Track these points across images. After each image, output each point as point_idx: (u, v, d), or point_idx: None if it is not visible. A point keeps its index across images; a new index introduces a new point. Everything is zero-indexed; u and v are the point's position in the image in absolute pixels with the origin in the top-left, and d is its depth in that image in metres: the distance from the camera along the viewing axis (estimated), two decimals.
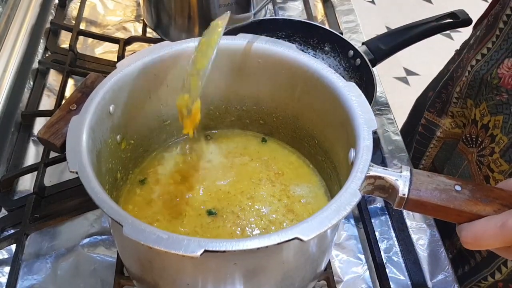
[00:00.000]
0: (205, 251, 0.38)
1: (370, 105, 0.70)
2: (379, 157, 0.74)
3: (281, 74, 0.57)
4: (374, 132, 0.47)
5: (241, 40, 0.57)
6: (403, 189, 0.45)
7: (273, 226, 0.56)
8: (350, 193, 0.43)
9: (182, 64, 0.56)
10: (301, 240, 0.39)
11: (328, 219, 0.41)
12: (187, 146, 0.63)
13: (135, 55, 0.54)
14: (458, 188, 0.45)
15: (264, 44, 0.57)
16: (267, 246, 0.39)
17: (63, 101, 0.52)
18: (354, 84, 0.52)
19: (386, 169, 0.46)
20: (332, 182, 0.58)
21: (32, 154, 0.72)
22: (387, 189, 0.46)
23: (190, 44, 0.56)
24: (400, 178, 0.45)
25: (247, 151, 0.64)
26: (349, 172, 0.47)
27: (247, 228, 0.55)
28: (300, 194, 0.59)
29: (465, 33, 0.88)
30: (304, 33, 0.83)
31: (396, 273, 0.61)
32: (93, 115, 0.49)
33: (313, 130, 0.60)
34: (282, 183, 0.60)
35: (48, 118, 0.60)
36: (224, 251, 0.39)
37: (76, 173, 0.44)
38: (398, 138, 0.76)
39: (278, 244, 0.39)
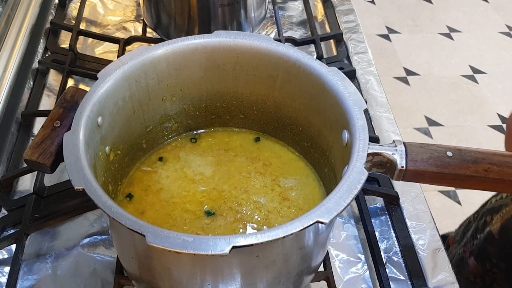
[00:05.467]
0: (234, 247, 0.39)
1: None
2: None
3: (261, 67, 0.58)
4: (365, 111, 0.50)
5: (217, 38, 0.57)
6: (401, 162, 0.48)
7: (272, 216, 0.57)
8: (357, 172, 0.45)
9: (162, 68, 0.56)
10: (322, 223, 0.41)
11: (343, 199, 0.43)
12: (172, 151, 0.63)
13: (115, 63, 0.54)
14: (449, 153, 0.49)
15: (242, 39, 0.57)
16: (292, 233, 0.40)
17: (45, 119, 0.52)
18: (336, 68, 0.54)
19: (382, 145, 0.49)
20: (321, 166, 0.59)
21: None
22: (385, 164, 0.49)
23: (169, 46, 0.56)
24: (396, 152, 0.49)
25: (231, 146, 0.64)
26: (343, 153, 0.50)
27: (248, 222, 0.56)
28: (291, 181, 0.60)
29: (464, 32, 0.88)
30: None
31: (396, 273, 0.61)
32: (85, 129, 0.49)
33: (297, 117, 0.60)
34: (272, 173, 0.61)
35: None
36: (251, 245, 0.39)
37: (82, 190, 0.43)
38: (398, 138, 0.76)
39: (301, 230, 0.40)
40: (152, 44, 0.57)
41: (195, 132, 0.65)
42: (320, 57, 0.84)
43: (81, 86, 0.81)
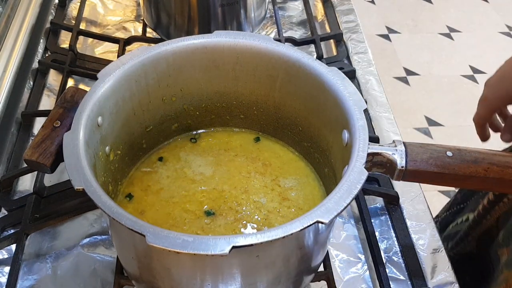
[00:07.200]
0: (234, 247, 0.39)
1: None
2: None
3: (261, 67, 0.58)
4: (365, 111, 0.50)
5: (217, 37, 0.57)
6: (401, 162, 0.48)
7: (272, 216, 0.57)
8: (357, 172, 0.45)
9: (162, 68, 0.56)
10: (322, 223, 0.41)
11: (343, 199, 0.43)
12: (172, 151, 0.63)
13: (115, 63, 0.54)
14: (449, 153, 0.49)
15: (242, 39, 0.57)
16: (291, 233, 0.40)
17: (45, 119, 0.52)
18: (336, 68, 0.54)
19: (382, 145, 0.49)
20: (321, 166, 0.59)
21: None
22: (385, 164, 0.49)
23: (169, 46, 0.56)
24: (396, 152, 0.49)
25: (231, 146, 0.64)
26: (343, 153, 0.50)
27: (248, 222, 0.56)
28: (290, 181, 0.60)
29: (464, 32, 0.88)
30: None
31: (396, 273, 0.61)
32: (85, 129, 0.49)
33: (296, 117, 0.60)
34: (272, 173, 0.61)
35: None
36: (251, 245, 0.39)
37: (82, 190, 0.43)
38: (398, 138, 0.76)
39: (301, 230, 0.40)
40: (152, 44, 0.57)
41: (195, 132, 0.65)
42: (320, 57, 0.84)
43: (81, 86, 0.81)
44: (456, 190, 0.93)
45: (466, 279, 0.68)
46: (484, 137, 0.68)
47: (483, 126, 0.66)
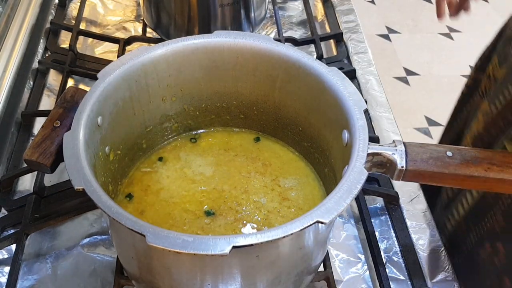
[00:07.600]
0: (234, 247, 0.39)
1: None
2: None
3: (261, 67, 0.58)
4: (365, 111, 0.50)
5: (217, 37, 0.57)
6: (401, 162, 0.48)
7: (272, 216, 0.57)
8: (357, 172, 0.45)
9: (162, 68, 0.56)
10: (322, 223, 0.41)
11: (343, 199, 0.43)
12: (172, 151, 0.63)
13: (115, 63, 0.54)
14: (449, 153, 0.49)
15: (242, 39, 0.57)
16: (291, 233, 0.40)
17: (45, 119, 0.52)
18: (336, 68, 0.54)
19: (382, 145, 0.49)
20: (321, 166, 0.59)
21: None
22: (385, 164, 0.49)
23: (169, 46, 0.56)
24: (396, 152, 0.49)
25: (231, 146, 0.64)
26: (343, 153, 0.50)
27: (248, 222, 0.56)
28: (290, 181, 0.60)
29: (465, 32, 0.88)
30: None
31: (396, 273, 0.61)
32: (85, 129, 0.49)
33: (296, 117, 0.61)
34: (272, 173, 0.61)
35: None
36: (251, 245, 0.39)
37: (82, 190, 0.43)
38: (398, 138, 0.76)
39: (301, 230, 0.40)
40: (152, 44, 0.57)
41: (195, 132, 0.65)
42: (320, 57, 0.84)
43: (81, 86, 0.81)
44: None
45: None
46: (439, 13, 0.77)
47: (440, 3, 0.76)
